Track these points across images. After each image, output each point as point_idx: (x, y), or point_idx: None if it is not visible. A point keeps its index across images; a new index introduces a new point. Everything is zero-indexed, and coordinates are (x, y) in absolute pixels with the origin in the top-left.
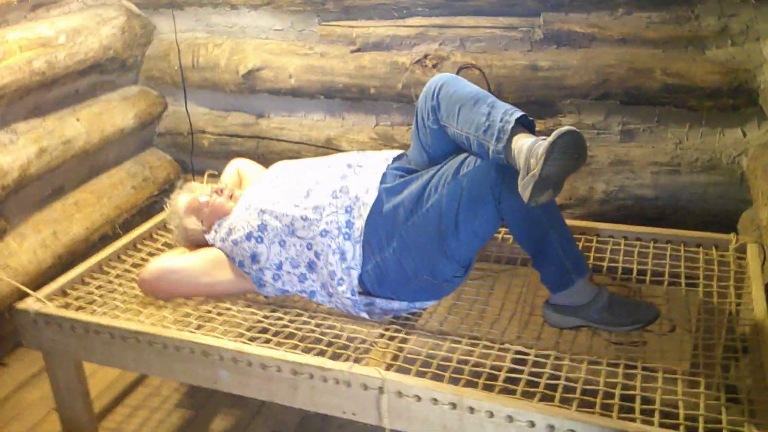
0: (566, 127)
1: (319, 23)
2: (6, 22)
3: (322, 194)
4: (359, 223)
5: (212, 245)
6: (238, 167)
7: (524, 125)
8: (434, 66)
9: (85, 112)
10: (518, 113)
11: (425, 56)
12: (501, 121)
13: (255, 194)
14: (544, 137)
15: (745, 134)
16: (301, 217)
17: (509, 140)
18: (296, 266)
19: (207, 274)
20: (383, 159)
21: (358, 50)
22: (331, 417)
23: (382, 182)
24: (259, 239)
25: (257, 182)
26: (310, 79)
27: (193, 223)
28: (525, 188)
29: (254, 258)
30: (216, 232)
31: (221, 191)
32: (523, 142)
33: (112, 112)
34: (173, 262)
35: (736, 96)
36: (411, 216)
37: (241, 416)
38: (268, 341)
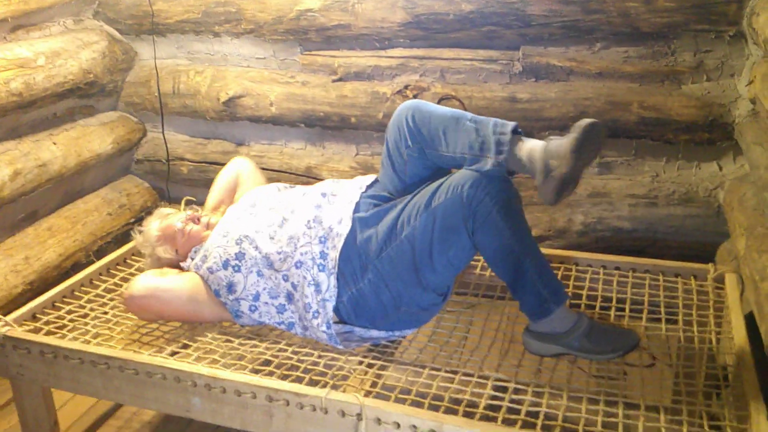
0: (587, 120)
1: (301, 52)
2: None
3: (296, 224)
4: (333, 254)
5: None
6: (239, 172)
7: (515, 133)
8: (415, 96)
9: (62, 136)
10: (510, 124)
11: (406, 87)
12: (494, 134)
13: (232, 221)
14: (553, 137)
15: (721, 168)
16: (277, 251)
17: (510, 151)
18: (275, 297)
19: (193, 296)
20: (357, 187)
21: (340, 80)
22: None
23: (355, 211)
24: (236, 268)
25: (233, 208)
26: (291, 108)
27: (167, 252)
28: (548, 191)
29: (230, 288)
30: (191, 259)
31: (198, 219)
32: (531, 147)
33: (90, 137)
34: (162, 280)
35: (711, 130)
36: (385, 248)
37: None
38: (243, 368)
